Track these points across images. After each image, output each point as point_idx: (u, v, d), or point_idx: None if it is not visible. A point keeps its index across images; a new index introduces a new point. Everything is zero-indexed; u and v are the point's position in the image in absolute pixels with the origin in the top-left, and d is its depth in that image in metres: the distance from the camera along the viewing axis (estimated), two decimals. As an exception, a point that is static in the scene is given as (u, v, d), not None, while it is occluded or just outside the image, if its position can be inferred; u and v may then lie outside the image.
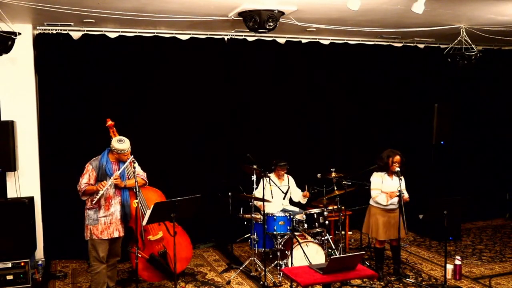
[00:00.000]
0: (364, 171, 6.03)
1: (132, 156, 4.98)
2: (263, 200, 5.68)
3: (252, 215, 5.88)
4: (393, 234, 5.52)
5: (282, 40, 7.24)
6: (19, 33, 5.17)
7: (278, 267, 5.84)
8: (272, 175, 6.23)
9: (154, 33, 6.58)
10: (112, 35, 6.43)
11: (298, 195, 6.50)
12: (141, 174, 5.16)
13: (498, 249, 6.88)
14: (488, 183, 8.51)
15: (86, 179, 4.85)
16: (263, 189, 5.75)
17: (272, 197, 5.91)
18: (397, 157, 5.51)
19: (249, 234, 6.15)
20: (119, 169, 4.89)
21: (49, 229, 6.30)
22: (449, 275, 5.68)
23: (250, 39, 7.05)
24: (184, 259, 5.47)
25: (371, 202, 5.72)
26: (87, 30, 6.30)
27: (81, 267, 6.28)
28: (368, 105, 7.77)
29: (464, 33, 6.49)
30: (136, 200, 4.93)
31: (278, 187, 6.09)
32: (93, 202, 4.78)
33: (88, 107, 6.40)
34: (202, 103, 6.94)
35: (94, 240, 4.89)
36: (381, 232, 5.57)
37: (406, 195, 5.57)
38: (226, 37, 6.94)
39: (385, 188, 5.56)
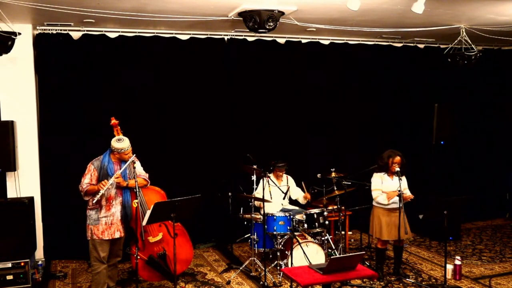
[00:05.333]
0: (364, 171, 6.03)
1: (134, 155, 4.98)
2: (263, 200, 5.68)
3: (252, 215, 5.88)
4: (396, 234, 5.51)
5: (282, 40, 7.24)
6: (19, 33, 5.17)
7: (278, 267, 5.84)
8: (271, 175, 6.22)
9: (154, 33, 6.58)
10: (112, 35, 6.43)
11: (298, 193, 6.50)
12: (142, 174, 5.15)
13: (498, 249, 6.88)
14: (488, 183, 8.51)
15: (88, 179, 4.85)
16: (263, 189, 5.75)
17: (271, 197, 5.91)
18: (398, 158, 5.51)
19: (249, 234, 6.15)
20: (120, 169, 4.89)
21: (49, 229, 6.30)
22: (449, 275, 5.68)
23: (250, 39, 7.05)
24: (184, 261, 5.45)
25: (373, 202, 5.73)
26: (87, 30, 6.30)
27: (81, 267, 6.28)
28: (368, 105, 7.76)
29: (464, 33, 6.49)
30: (136, 200, 4.93)
31: (278, 187, 6.09)
32: (94, 202, 4.78)
33: (88, 107, 6.40)
34: (202, 102, 6.94)
35: (95, 240, 4.89)
36: (384, 232, 5.57)
37: (408, 193, 5.59)
38: (226, 37, 6.94)
39: (386, 188, 5.57)
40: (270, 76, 7.22)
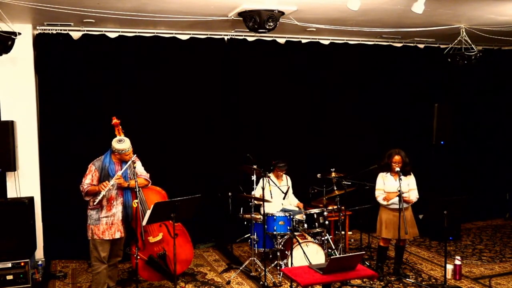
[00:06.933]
0: (364, 171, 6.03)
1: (135, 155, 4.98)
2: (263, 200, 5.68)
3: (252, 215, 5.88)
4: (396, 233, 5.51)
5: (282, 40, 7.24)
6: (19, 33, 5.17)
7: (278, 267, 5.84)
8: (271, 175, 6.22)
9: (154, 33, 6.58)
10: (112, 35, 6.43)
11: (293, 201, 6.52)
12: (143, 174, 5.15)
13: (498, 249, 6.89)
14: (488, 183, 8.51)
15: (89, 180, 4.85)
16: (263, 189, 5.74)
17: (271, 197, 5.91)
18: (396, 157, 5.49)
19: (249, 234, 6.15)
20: (121, 170, 4.89)
21: (49, 229, 6.30)
22: (449, 275, 5.68)
23: (250, 39, 7.05)
24: (184, 261, 5.45)
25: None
26: (87, 30, 6.30)
27: (81, 267, 6.28)
28: (368, 105, 7.76)
29: (464, 33, 6.49)
30: (136, 200, 4.93)
31: (278, 187, 6.09)
32: (95, 203, 4.78)
33: (88, 107, 6.40)
34: (202, 102, 6.94)
35: (96, 240, 4.89)
36: (384, 230, 5.57)
37: (414, 195, 5.58)
38: (226, 37, 6.94)
39: (388, 188, 5.56)
40: (270, 76, 7.22)
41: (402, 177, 5.45)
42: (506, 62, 8.44)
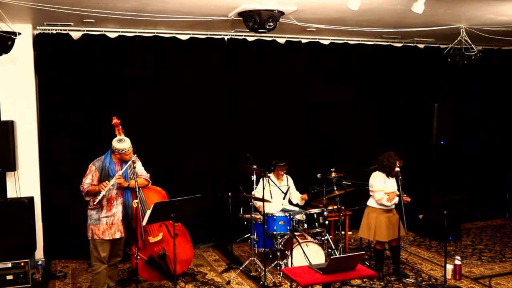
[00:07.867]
0: (364, 171, 6.02)
1: (135, 155, 4.98)
2: (263, 200, 5.68)
3: (252, 215, 5.88)
4: (395, 234, 5.51)
5: (282, 40, 7.24)
6: (19, 33, 5.17)
7: (278, 267, 5.84)
8: (271, 175, 6.23)
9: (154, 33, 6.58)
10: (112, 35, 6.43)
11: (296, 197, 6.52)
12: (144, 174, 5.15)
13: (498, 249, 6.88)
14: (488, 183, 8.51)
15: (89, 180, 4.86)
16: (263, 189, 5.75)
17: (271, 197, 5.91)
18: (401, 162, 5.51)
19: (249, 234, 6.15)
20: (121, 170, 4.89)
21: (49, 229, 6.30)
22: (449, 275, 5.68)
23: (250, 39, 7.05)
24: (184, 261, 5.45)
25: (370, 203, 5.69)
26: (87, 30, 6.30)
27: (81, 267, 6.28)
28: (368, 105, 7.77)
29: (464, 33, 6.49)
30: (136, 200, 4.93)
31: (278, 187, 6.09)
32: (95, 203, 4.78)
33: (88, 107, 6.41)
34: (202, 103, 6.94)
35: (96, 240, 4.89)
36: (385, 233, 5.54)
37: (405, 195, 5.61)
38: (226, 37, 6.94)
39: (388, 188, 5.55)
40: (270, 76, 7.22)
41: (390, 178, 5.56)
42: (506, 62, 8.44)
